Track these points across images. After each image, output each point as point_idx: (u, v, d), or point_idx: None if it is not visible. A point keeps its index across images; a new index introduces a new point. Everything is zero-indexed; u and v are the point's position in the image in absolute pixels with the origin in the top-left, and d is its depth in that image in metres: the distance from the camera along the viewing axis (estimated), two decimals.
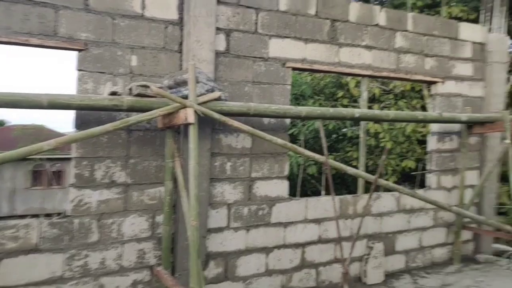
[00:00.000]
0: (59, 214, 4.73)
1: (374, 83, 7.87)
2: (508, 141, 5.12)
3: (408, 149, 7.69)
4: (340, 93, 8.07)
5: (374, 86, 7.79)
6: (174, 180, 3.77)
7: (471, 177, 5.92)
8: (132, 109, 3.53)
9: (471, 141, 5.84)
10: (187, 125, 3.59)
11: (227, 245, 4.24)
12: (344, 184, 8.87)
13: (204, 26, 3.99)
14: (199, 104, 3.58)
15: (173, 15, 4.02)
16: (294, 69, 4.73)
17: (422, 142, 7.92)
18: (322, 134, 4.08)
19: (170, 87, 3.81)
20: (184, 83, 3.71)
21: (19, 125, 22.47)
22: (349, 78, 7.80)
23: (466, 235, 5.87)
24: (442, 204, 4.95)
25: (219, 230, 4.19)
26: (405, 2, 8.92)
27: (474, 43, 5.90)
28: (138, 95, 3.56)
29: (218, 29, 4.14)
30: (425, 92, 8.26)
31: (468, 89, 5.89)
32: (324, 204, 4.81)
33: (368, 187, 5.33)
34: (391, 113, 4.94)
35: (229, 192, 4.24)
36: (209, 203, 4.11)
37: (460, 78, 5.80)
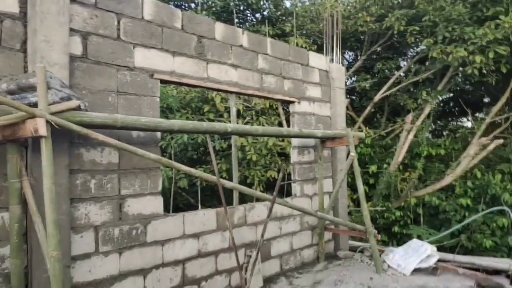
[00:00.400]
0: None
1: (238, 100, 8.22)
2: (353, 153, 5.82)
3: (271, 160, 8.19)
4: (207, 108, 8.15)
5: (238, 103, 8.13)
6: (24, 204, 3.03)
7: (327, 185, 6.53)
8: None
9: (324, 154, 6.50)
10: (36, 138, 2.98)
11: (96, 272, 3.58)
12: (215, 196, 8.83)
13: (55, 25, 3.42)
14: (52, 113, 3.01)
15: (13, 8, 3.33)
16: (162, 81, 4.46)
17: (282, 155, 8.57)
18: (211, 151, 3.98)
19: (11, 93, 3.10)
20: (31, 88, 3.06)
21: None
22: (215, 94, 7.94)
23: (327, 235, 6.39)
24: (309, 211, 5.27)
25: (86, 256, 3.52)
26: (259, 30, 9.75)
27: (320, 70, 6.65)
28: None
29: (72, 30, 3.61)
30: (280, 110, 9.03)
31: (319, 109, 6.58)
32: (201, 218, 4.57)
33: (242, 199, 5.34)
34: (260, 128, 5.11)
35: (95, 213, 3.63)
36: (72, 227, 3.42)
37: (312, 100, 6.45)
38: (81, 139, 3.58)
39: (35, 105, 2.98)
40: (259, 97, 6.02)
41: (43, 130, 2.88)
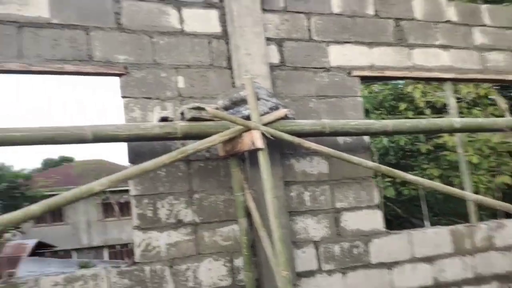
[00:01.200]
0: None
1: (439, 91, 7.63)
2: None
3: (497, 162, 7.26)
4: (403, 106, 7.91)
5: (442, 95, 7.58)
6: (248, 216, 3.47)
7: None
8: (187, 136, 3.38)
9: None
10: (253, 151, 3.38)
11: None
12: (428, 206, 8.34)
13: (253, 37, 3.94)
14: (265, 124, 3.40)
15: (215, 28, 3.99)
16: (362, 78, 4.54)
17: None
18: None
19: (226, 108, 3.67)
20: (242, 101, 3.56)
21: (79, 161, 28.10)
22: (412, 88, 7.68)
23: None
24: None
25: (310, 274, 3.76)
26: None
27: None
28: (192, 119, 3.41)
29: (268, 39, 4.07)
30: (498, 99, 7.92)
31: None
32: (432, 237, 4.28)
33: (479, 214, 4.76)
34: (500, 121, 4.55)
35: (312, 227, 3.86)
36: (293, 242, 3.72)
37: None
38: (291, 149, 3.90)
39: (248, 117, 3.42)
40: (483, 81, 5.44)
41: (259, 143, 3.25)
